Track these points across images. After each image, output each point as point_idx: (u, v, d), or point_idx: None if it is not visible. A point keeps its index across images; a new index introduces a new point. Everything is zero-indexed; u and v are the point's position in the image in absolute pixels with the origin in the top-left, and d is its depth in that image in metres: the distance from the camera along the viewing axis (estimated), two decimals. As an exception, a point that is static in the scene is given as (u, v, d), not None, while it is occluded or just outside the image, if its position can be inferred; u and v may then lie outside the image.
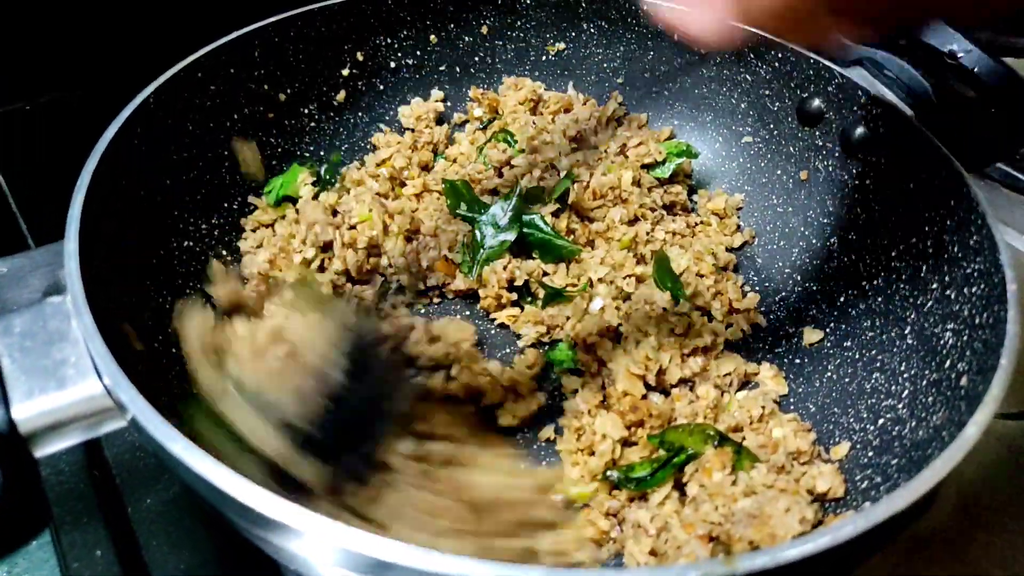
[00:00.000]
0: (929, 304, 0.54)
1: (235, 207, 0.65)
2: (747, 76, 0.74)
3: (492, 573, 0.30)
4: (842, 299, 0.63)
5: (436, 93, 0.79)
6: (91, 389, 0.38)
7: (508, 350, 0.64)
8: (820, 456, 0.54)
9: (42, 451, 0.38)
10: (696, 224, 0.73)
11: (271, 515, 0.32)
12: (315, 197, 0.68)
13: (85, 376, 0.38)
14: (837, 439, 0.55)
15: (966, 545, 0.55)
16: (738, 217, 0.74)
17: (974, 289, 0.50)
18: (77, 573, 0.49)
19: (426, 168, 0.75)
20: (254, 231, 0.66)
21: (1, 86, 0.67)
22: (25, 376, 0.38)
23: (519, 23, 0.78)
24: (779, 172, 0.73)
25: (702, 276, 0.66)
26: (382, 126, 0.77)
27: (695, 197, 0.76)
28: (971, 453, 0.60)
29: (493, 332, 0.66)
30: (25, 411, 0.37)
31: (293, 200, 0.69)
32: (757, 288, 0.68)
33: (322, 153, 0.74)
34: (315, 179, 0.70)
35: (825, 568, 0.37)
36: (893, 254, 0.60)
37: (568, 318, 0.63)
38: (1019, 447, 0.61)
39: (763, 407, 0.56)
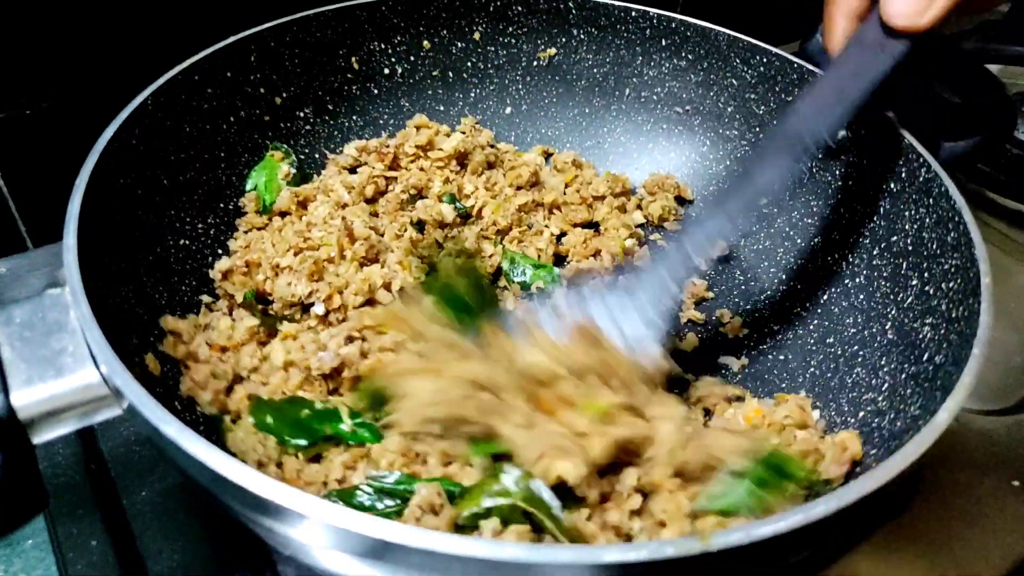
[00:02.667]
0: (909, 300, 0.56)
1: (231, 208, 0.67)
2: (733, 80, 0.75)
3: (485, 550, 0.31)
4: (825, 297, 0.64)
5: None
6: (88, 377, 0.39)
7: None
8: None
9: (40, 437, 0.39)
10: None
11: (268, 497, 0.33)
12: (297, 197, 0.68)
13: (82, 364, 0.39)
14: (819, 433, 0.56)
15: (947, 538, 0.56)
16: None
17: (951, 284, 0.51)
18: (73, 563, 0.50)
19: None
20: (246, 232, 0.66)
21: (3, 92, 0.68)
22: (24, 364, 0.39)
23: (511, 29, 0.80)
24: (765, 174, 0.74)
25: None
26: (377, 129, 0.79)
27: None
28: (955, 449, 0.61)
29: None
30: (24, 398, 0.38)
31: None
32: (743, 286, 0.70)
33: (316, 156, 0.75)
34: (293, 167, 0.70)
35: (801, 550, 0.38)
36: (875, 252, 0.61)
37: None
38: (999, 441, 0.62)
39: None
